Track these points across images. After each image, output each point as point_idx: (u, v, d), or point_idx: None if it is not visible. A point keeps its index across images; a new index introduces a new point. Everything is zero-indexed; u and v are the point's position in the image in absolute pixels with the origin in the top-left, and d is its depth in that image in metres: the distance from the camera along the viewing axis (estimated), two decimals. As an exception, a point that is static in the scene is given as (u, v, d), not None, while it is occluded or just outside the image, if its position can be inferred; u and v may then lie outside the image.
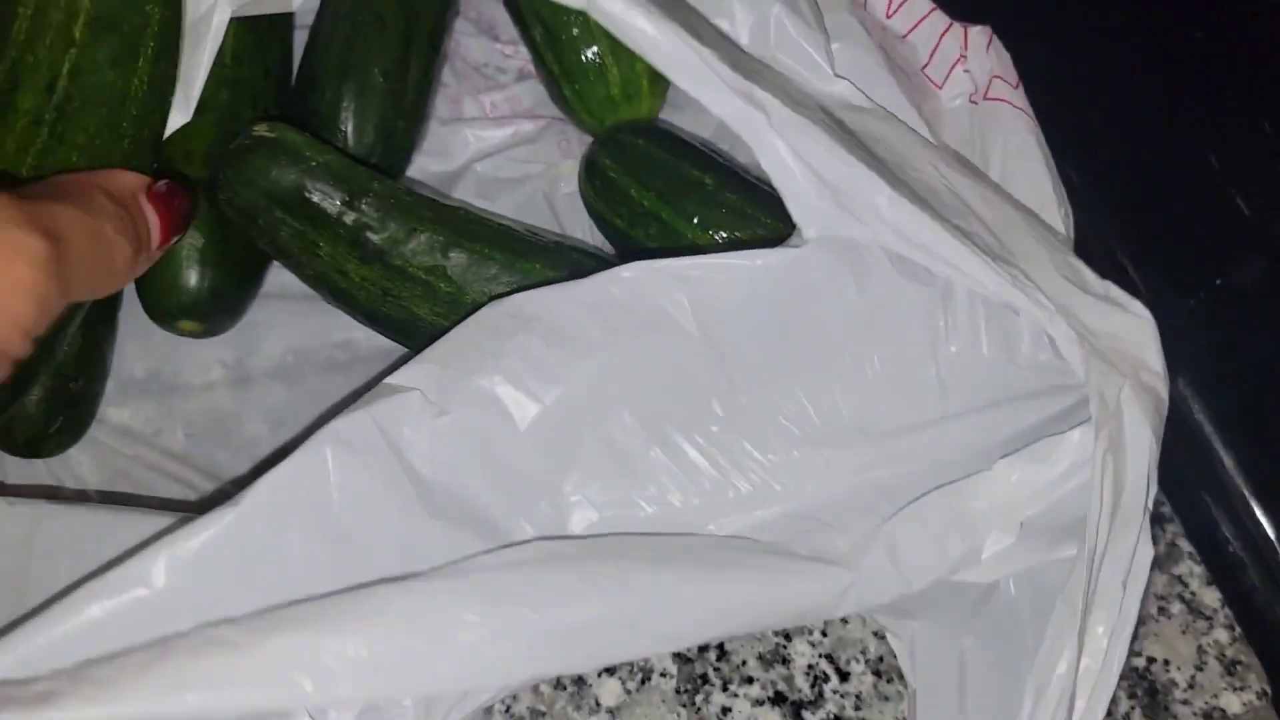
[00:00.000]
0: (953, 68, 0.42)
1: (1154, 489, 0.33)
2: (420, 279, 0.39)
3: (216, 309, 0.42)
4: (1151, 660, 0.42)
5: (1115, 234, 0.50)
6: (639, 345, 0.34)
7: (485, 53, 0.52)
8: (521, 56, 0.52)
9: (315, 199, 0.39)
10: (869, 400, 0.36)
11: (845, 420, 0.36)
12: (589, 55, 0.45)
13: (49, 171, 0.35)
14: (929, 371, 0.36)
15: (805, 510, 0.35)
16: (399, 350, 0.44)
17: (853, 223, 0.34)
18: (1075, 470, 0.34)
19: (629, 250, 0.44)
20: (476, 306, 0.38)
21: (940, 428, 0.36)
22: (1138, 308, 0.34)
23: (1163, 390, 0.34)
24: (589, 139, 0.49)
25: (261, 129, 0.40)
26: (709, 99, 0.33)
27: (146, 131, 0.39)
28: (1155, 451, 0.33)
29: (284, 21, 0.47)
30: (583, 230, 0.48)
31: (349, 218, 0.39)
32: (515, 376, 0.33)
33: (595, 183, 0.44)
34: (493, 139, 0.49)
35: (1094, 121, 0.52)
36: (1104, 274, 0.36)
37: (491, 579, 0.30)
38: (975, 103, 0.41)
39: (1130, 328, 0.34)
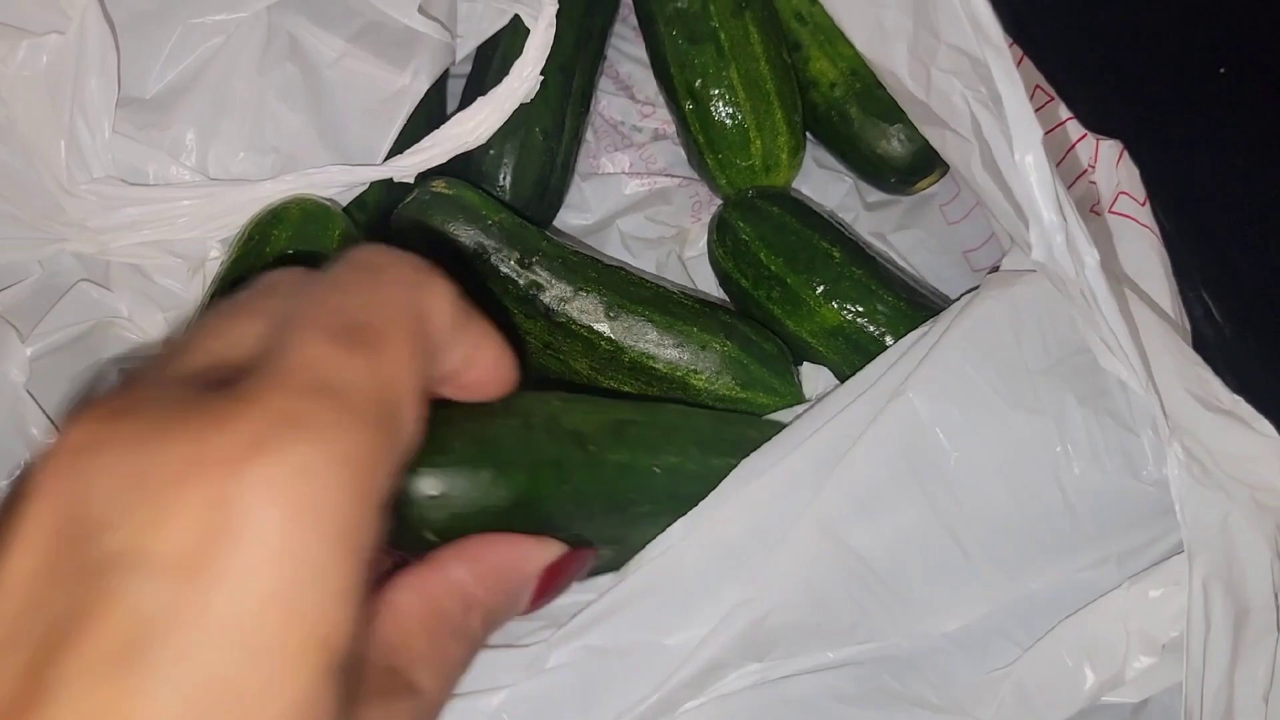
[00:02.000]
0: (1078, 177, 0.45)
1: None
2: (582, 336, 0.42)
3: None
4: None
5: (1250, 352, 0.50)
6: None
7: (624, 111, 0.56)
8: (658, 117, 0.55)
9: (489, 256, 0.42)
10: (1001, 529, 0.36)
11: (981, 553, 0.36)
12: (735, 127, 0.48)
13: None
14: (1056, 497, 0.36)
15: (935, 646, 0.36)
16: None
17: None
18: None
19: (749, 307, 0.47)
20: (633, 365, 0.42)
21: (1076, 552, 0.36)
22: (1264, 426, 0.34)
23: None
24: (717, 201, 0.53)
25: (440, 185, 0.43)
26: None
27: None
28: None
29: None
30: (706, 288, 0.52)
31: (520, 275, 0.42)
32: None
33: (726, 241, 0.47)
34: (632, 194, 0.53)
35: (1225, 239, 0.55)
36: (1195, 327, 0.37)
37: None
38: (1097, 214, 0.44)
39: (1254, 446, 0.34)
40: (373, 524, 0.19)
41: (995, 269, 0.42)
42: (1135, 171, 0.43)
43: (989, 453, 0.36)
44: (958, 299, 0.41)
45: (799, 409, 0.42)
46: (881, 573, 0.35)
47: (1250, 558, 0.33)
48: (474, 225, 0.43)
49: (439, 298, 0.23)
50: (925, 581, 0.36)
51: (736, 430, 0.38)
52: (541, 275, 0.43)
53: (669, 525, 0.34)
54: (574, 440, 0.32)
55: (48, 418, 0.40)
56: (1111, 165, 0.43)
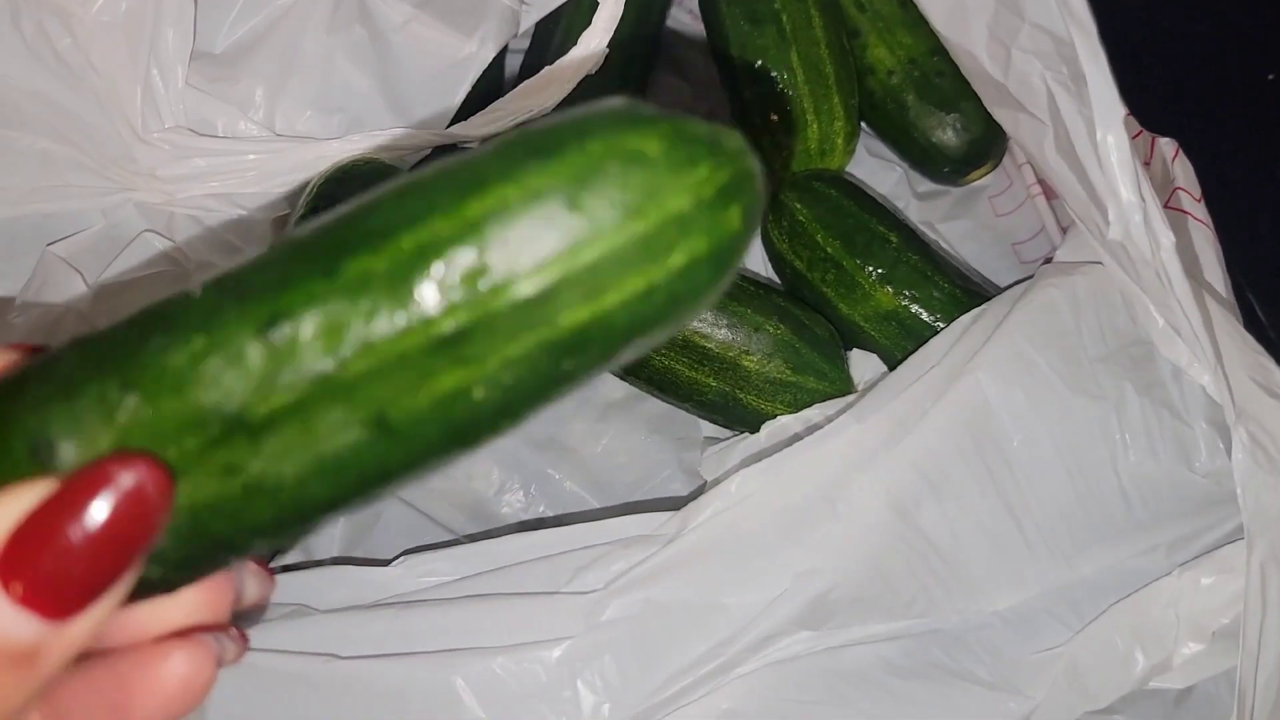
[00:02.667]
0: None
1: None
2: None
3: None
4: None
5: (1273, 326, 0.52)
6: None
7: (677, 92, 0.56)
8: (710, 100, 0.57)
9: None
10: (1058, 514, 0.37)
11: (1039, 535, 0.37)
12: (793, 111, 0.49)
13: None
14: (1112, 484, 0.37)
15: (991, 623, 0.36)
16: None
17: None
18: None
19: (802, 289, 0.47)
20: (686, 343, 0.43)
21: (1129, 538, 0.37)
22: None
23: None
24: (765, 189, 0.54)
25: None
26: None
27: None
28: None
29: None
30: (756, 267, 0.53)
31: None
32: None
33: (782, 223, 0.48)
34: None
35: (1270, 240, 0.55)
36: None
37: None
38: None
39: None
40: None
41: (1047, 260, 0.43)
42: (1190, 168, 0.43)
43: (1050, 436, 0.37)
44: (1009, 287, 0.42)
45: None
46: (942, 549, 0.36)
47: None
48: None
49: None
50: (983, 559, 0.36)
51: None
52: None
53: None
54: None
55: None
56: (1168, 161, 0.44)
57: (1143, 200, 0.33)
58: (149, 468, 0.17)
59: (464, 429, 0.18)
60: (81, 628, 0.17)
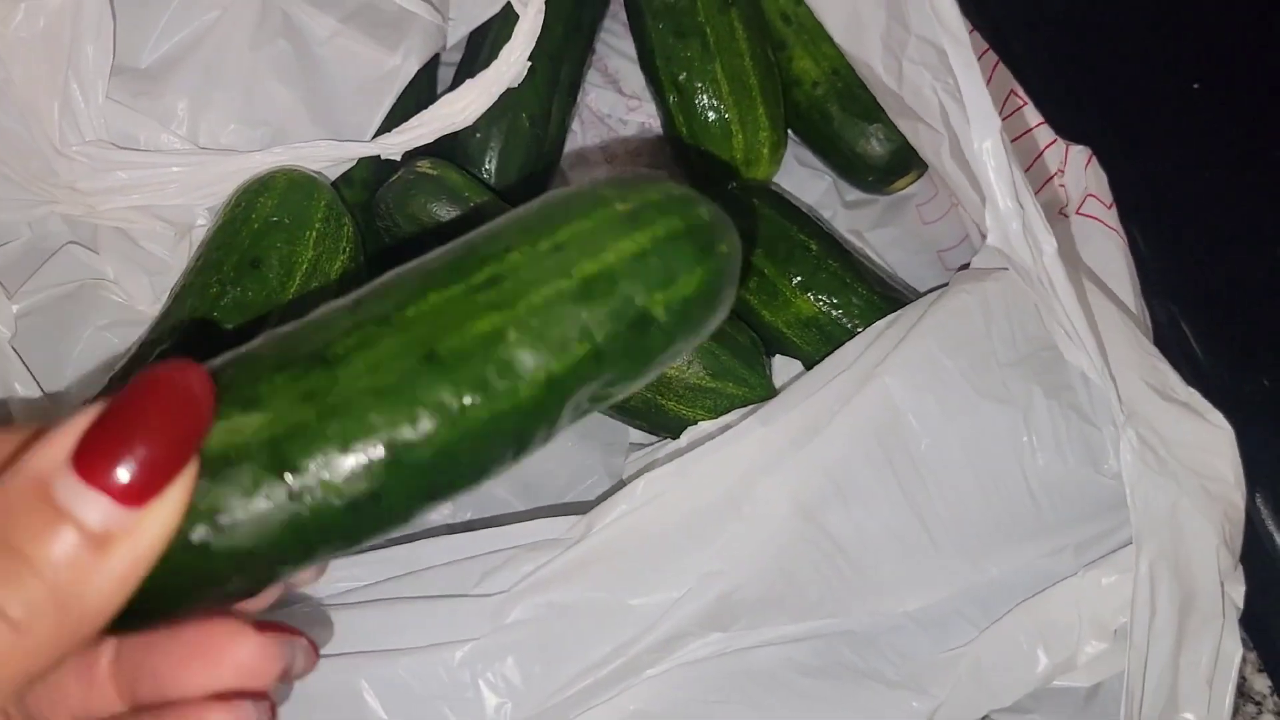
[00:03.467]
0: (1047, 181, 0.46)
1: (1237, 585, 0.35)
2: None
3: None
4: None
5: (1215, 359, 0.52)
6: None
7: (611, 105, 0.57)
8: (644, 111, 0.57)
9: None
10: (966, 515, 0.38)
11: (945, 537, 0.37)
12: (718, 121, 0.50)
13: None
14: (1020, 486, 0.38)
15: (898, 623, 0.37)
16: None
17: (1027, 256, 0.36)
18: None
19: None
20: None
21: (1036, 540, 0.38)
22: (1217, 418, 0.36)
23: (1236, 498, 0.36)
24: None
25: (424, 165, 0.44)
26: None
27: None
28: (1227, 555, 0.35)
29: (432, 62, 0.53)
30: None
31: None
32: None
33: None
34: (615, 184, 0.56)
35: (1192, 248, 0.56)
36: (1165, 344, 0.38)
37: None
38: (1065, 216, 0.45)
39: (1207, 436, 0.36)
40: None
41: (964, 267, 0.44)
42: (1103, 176, 0.45)
43: (958, 439, 0.38)
44: (926, 293, 0.43)
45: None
46: (849, 551, 0.37)
47: (1197, 544, 0.36)
48: (456, 206, 0.44)
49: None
50: (890, 561, 0.37)
51: None
52: None
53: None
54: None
55: (30, 374, 0.42)
56: (1080, 169, 0.45)
57: (1020, 207, 0.34)
58: (194, 369, 0.20)
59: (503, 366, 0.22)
60: (150, 523, 0.19)
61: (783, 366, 0.47)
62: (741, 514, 0.36)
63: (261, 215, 0.41)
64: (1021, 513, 0.38)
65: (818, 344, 0.47)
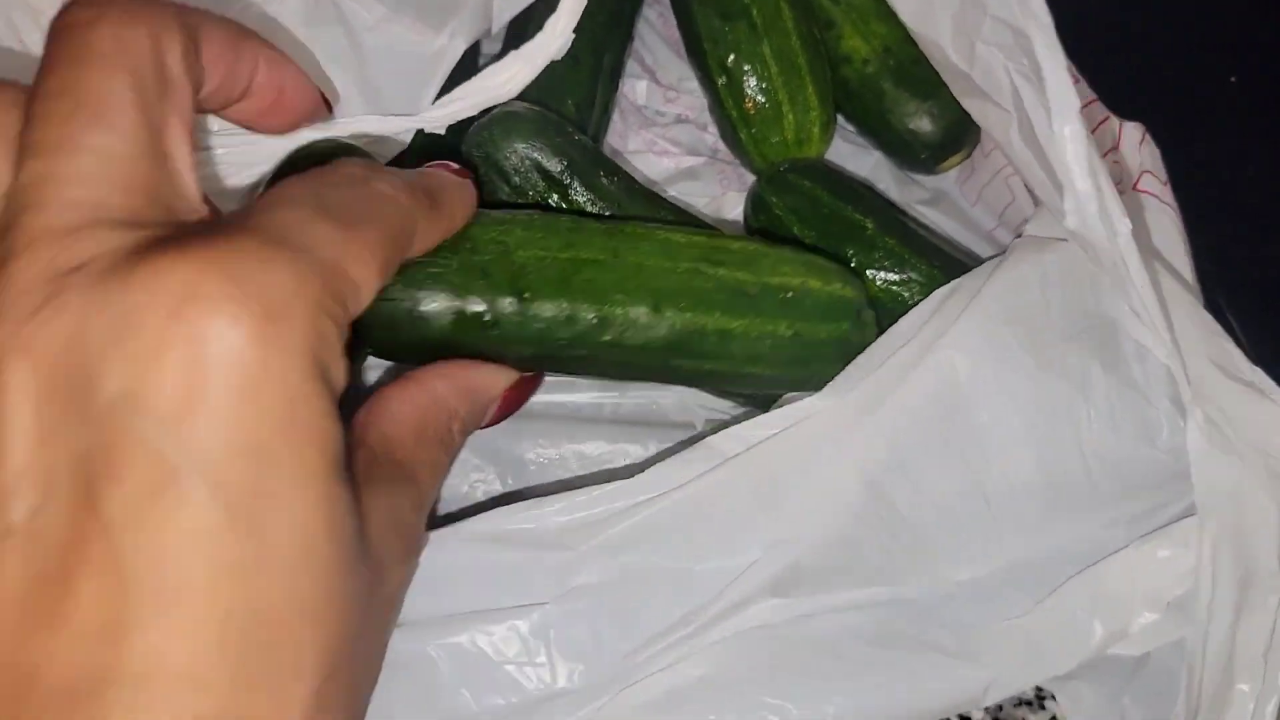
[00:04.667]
0: (1104, 155, 0.47)
1: None
2: None
3: None
4: None
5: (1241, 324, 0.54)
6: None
7: (648, 95, 0.59)
8: (681, 103, 0.59)
9: (574, 169, 0.45)
10: (1023, 487, 0.38)
11: (1000, 507, 0.38)
12: (768, 103, 0.51)
13: None
14: (1076, 459, 0.39)
15: (955, 593, 0.38)
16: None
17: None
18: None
19: None
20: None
21: (1091, 513, 0.39)
22: None
23: None
24: (746, 176, 0.55)
25: (521, 105, 0.46)
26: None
27: None
28: None
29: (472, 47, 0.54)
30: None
31: (599, 192, 0.45)
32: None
33: (760, 217, 0.50)
34: (659, 171, 0.56)
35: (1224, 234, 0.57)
36: None
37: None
38: (1123, 191, 0.45)
39: (1271, 416, 0.37)
40: (336, 355, 0.23)
41: (1018, 235, 0.44)
42: (1157, 152, 0.46)
43: (1017, 411, 0.38)
44: (984, 261, 0.43)
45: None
46: (910, 521, 0.37)
47: (1259, 522, 0.36)
48: (562, 139, 0.46)
49: (418, 207, 0.29)
50: (949, 532, 0.38)
51: (712, 280, 0.40)
52: (619, 194, 0.46)
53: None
54: (510, 283, 0.35)
55: None
56: (1135, 145, 0.46)
57: (1098, 190, 0.35)
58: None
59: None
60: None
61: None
62: (808, 483, 0.37)
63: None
64: (1077, 486, 0.39)
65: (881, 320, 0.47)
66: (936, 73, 0.49)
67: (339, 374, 0.23)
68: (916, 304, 0.46)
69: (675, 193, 0.55)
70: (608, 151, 0.56)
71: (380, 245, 0.25)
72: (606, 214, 0.45)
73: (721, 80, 0.52)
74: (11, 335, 0.20)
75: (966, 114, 0.50)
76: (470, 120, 0.46)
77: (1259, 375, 0.38)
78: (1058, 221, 0.41)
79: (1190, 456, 0.37)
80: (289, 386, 0.21)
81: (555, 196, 0.45)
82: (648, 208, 0.46)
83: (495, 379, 0.34)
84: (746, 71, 0.51)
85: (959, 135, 0.52)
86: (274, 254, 0.21)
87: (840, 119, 0.56)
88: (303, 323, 0.21)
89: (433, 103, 0.47)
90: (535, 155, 0.45)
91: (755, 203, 0.51)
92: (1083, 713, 0.41)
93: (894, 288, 0.47)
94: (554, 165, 0.45)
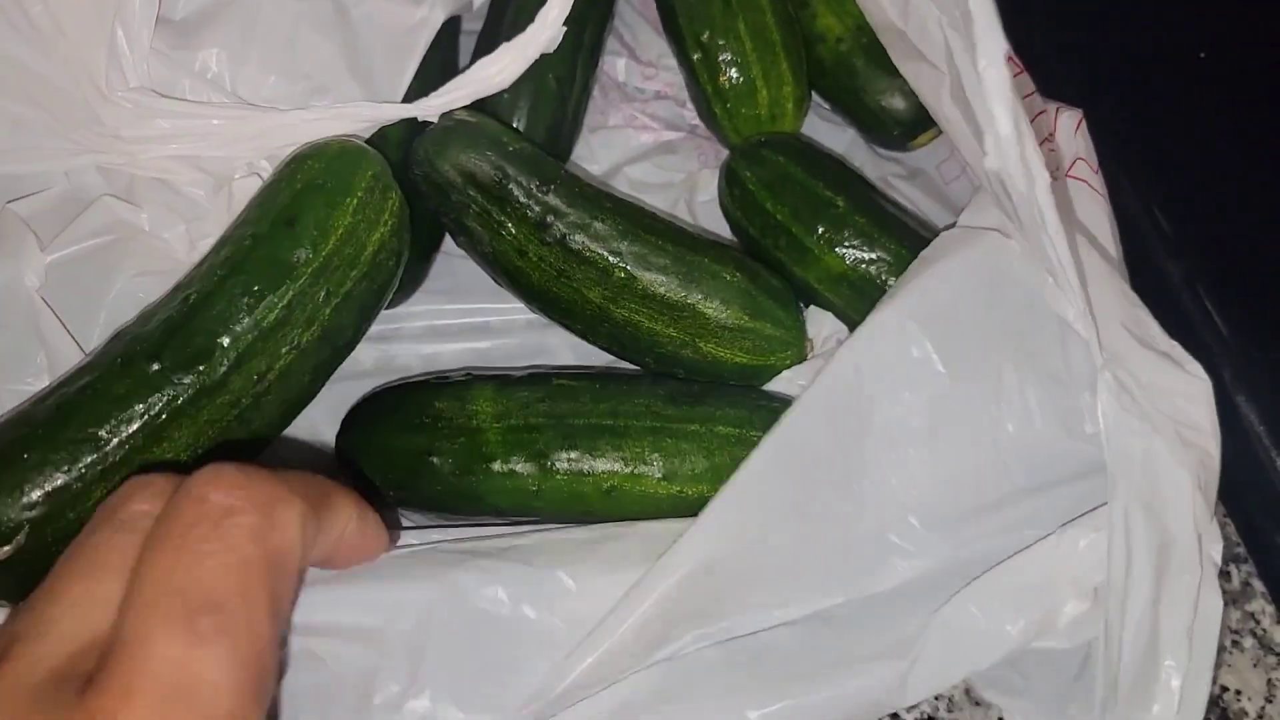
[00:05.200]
0: (1040, 144, 0.48)
1: (1215, 541, 0.36)
2: (597, 263, 0.45)
3: (405, 282, 0.49)
4: (1225, 689, 0.47)
5: (1204, 283, 0.55)
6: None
7: (627, 72, 0.60)
8: (660, 79, 0.60)
9: (509, 182, 0.46)
10: (937, 487, 0.39)
11: (916, 511, 0.39)
12: (742, 78, 0.53)
13: (222, 436, 0.41)
14: (989, 454, 0.39)
15: (877, 601, 0.39)
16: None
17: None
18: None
19: (759, 254, 0.51)
20: (646, 294, 0.46)
21: (1010, 507, 0.39)
22: (1195, 368, 0.38)
23: (1211, 447, 0.37)
24: (723, 152, 0.57)
25: (462, 113, 0.47)
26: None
27: (304, 405, 0.45)
28: (1202, 504, 0.36)
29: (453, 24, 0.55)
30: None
31: (537, 202, 0.46)
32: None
33: (734, 191, 0.51)
34: (638, 146, 0.58)
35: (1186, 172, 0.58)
36: (1189, 323, 0.42)
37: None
38: (1055, 178, 0.43)
39: (1184, 385, 0.37)
40: None
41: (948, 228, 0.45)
42: (1090, 140, 0.47)
43: (920, 411, 0.40)
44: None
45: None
46: (823, 532, 0.39)
47: (1172, 490, 0.36)
48: (495, 151, 0.47)
49: (288, 527, 0.27)
50: (863, 540, 0.39)
51: None
52: (558, 202, 0.46)
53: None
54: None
55: (60, 322, 0.44)
56: (1070, 133, 0.47)
57: (1019, 134, 0.35)
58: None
59: None
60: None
61: (816, 316, 0.50)
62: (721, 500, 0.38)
63: (306, 177, 0.43)
64: (993, 481, 0.40)
65: (850, 298, 0.49)
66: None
67: None
68: (886, 281, 0.48)
69: (653, 166, 0.57)
70: (588, 127, 0.57)
71: (271, 616, 0.26)
72: (545, 238, 0.46)
73: (697, 56, 0.54)
74: None
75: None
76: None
77: (1174, 347, 0.39)
78: (988, 209, 0.42)
79: (1100, 421, 0.37)
80: None
81: (494, 209, 0.46)
82: (590, 211, 0.47)
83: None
84: (721, 47, 0.53)
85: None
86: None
87: (816, 97, 0.57)
88: None
89: (412, 87, 0.48)
90: (470, 169, 0.46)
91: (729, 176, 0.52)
92: None
93: (863, 266, 0.48)
94: (489, 178, 0.46)
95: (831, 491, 0.39)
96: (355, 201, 0.43)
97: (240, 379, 0.40)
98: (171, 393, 0.39)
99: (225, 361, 0.40)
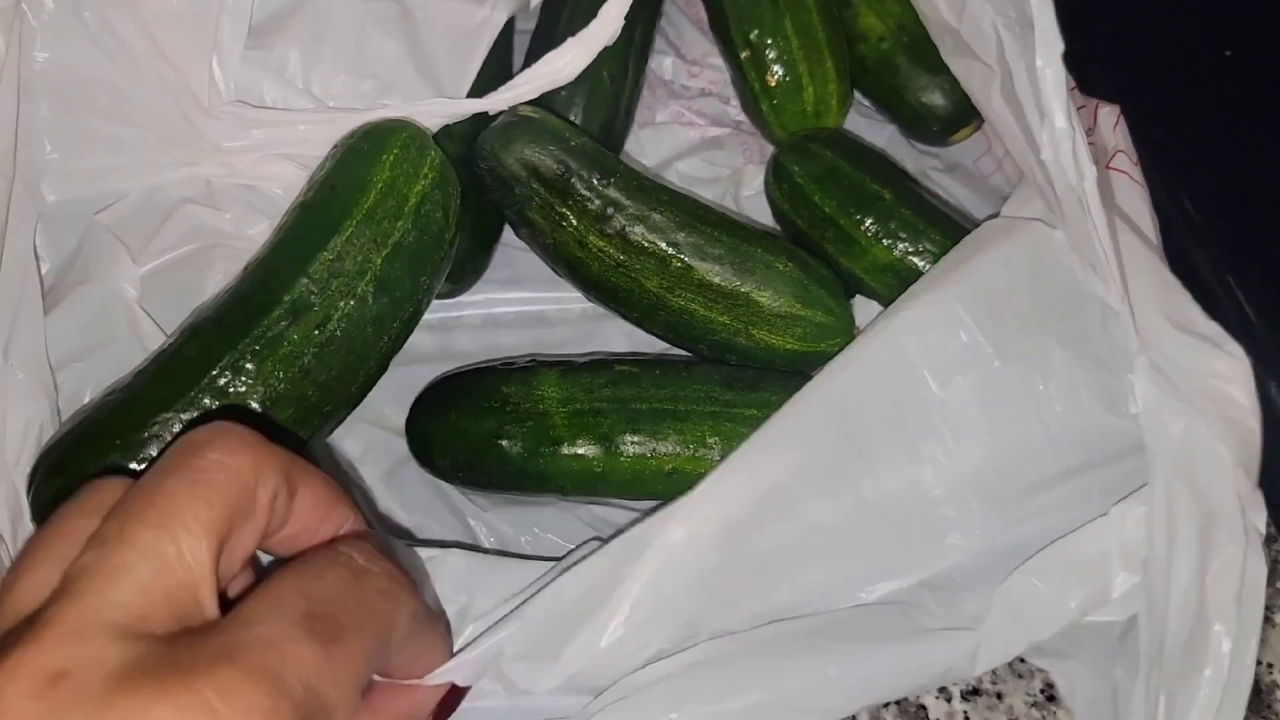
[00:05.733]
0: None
1: (1259, 511, 0.37)
2: (655, 254, 0.48)
3: (466, 271, 0.52)
4: (1258, 662, 0.47)
5: (1234, 273, 0.56)
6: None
7: (674, 70, 0.63)
8: (705, 77, 0.63)
9: (571, 176, 0.48)
10: (991, 465, 0.41)
11: (970, 490, 0.41)
12: (789, 76, 0.55)
13: (292, 396, 0.42)
14: (1038, 434, 0.41)
15: (937, 578, 0.41)
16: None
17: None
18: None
19: (806, 245, 0.53)
20: (702, 283, 0.48)
21: (1060, 485, 0.41)
22: (1233, 348, 0.39)
23: (1252, 423, 0.38)
24: (768, 147, 0.59)
25: (525, 109, 0.49)
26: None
27: (375, 374, 0.46)
28: (1244, 477, 0.37)
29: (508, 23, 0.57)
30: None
31: (598, 195, 0.48)
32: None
33: (782, 185, 0.54)
34: (685, 141, 0.60)
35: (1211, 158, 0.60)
36: (1219, 313, 0.40)
37: (680, 682, 0.38)
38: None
39: (1223, 365, 0.38)
40: None
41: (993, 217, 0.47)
42: (1128, 134, 0.49)
43: (972, 394, 0.41)
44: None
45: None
46: (879, 516, 0.41)
47: (1213, 466, 0.38)
48: (558, 146, 0.49)
49: (407, 612, 0.28)
50: (913, 521, 0.41)
51: None
52: (618, 195, 0.49)
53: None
54: None
55: (162, 331, 0.47)
56: (1110, 127, 0.49)
57: (1073, 129, 0.37)
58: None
59: None
60: None
61: (862, 306, 0.52)
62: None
63: (345, 147, 0.46)
64: (1043, 462, 0.41)
65: (895, 288, 0.51)
66: (947, 50, 0.53)
67: None
68: (929, 270, 0.50)
69: (701, 161, 0.60)
70: (638, 123, 0.60)
71: (360, 660, 0.26)
72: (605, 230, 0.49)
73: (745, 54, 0.56)
74: None
75: (975, 89, 0.54)
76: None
77: (1213, 328, 0.40)
78: (1031, 200, 0.44)
79: (1138, 402, 0.39)
80: None
81: (556, 201, 0.49)
82: (648, 203, 0.49)
83: (425, 699, 0.36)
84: (769, 45, 0.55)
85: (969, 108, 0.55)
86: (250, 690, 0.23)
87: (857, 95, 0.60)
88: None
89: (479, 75, 0.51)
90: (534, 163, 0.49)
91: (777, 170, 0.55)
92: (1080, 685, 0.43)
93: (909, 257, 0.51)
94: (552, 171, 0.49)
95: (886, 476, 0.40)
96: (391, 157, 0.45)
97: (299, 331, 0.42)
98: (234, 353, 0.41)
99: (281, 315, 0.42)
